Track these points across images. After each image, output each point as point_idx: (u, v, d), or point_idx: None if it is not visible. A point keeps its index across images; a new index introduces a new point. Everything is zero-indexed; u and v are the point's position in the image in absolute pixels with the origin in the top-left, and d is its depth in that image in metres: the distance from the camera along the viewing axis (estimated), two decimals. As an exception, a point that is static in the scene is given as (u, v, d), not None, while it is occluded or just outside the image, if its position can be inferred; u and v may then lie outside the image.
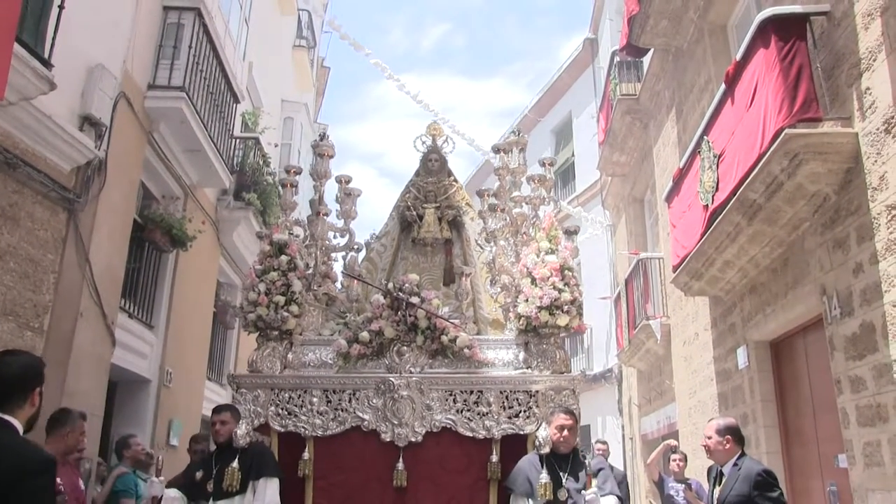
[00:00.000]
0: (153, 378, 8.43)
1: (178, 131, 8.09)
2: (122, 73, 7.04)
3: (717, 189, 6.61)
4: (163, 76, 7.80)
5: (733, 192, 6.13)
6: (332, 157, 6.25)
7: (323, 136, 6.33)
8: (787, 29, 5.26)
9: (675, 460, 7.38)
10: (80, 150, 6.13)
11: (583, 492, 4.45)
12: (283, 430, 5.22)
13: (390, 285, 5.53)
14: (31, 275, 5.67)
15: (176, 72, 7.79)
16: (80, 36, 6.09)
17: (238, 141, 10.50)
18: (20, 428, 2.44)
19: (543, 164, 6.27)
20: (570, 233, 5.92)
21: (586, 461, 4.56)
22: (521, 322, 5.38)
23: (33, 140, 5.61)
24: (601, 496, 4.46)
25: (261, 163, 10.70)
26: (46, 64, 5.23)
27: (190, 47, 7.96)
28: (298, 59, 16.20)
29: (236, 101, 9.80)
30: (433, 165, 6.79)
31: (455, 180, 6.97)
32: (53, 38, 5.41)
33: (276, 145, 12.62)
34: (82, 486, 4.87)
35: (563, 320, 5.25)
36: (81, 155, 6.19)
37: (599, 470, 4.68)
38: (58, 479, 4.43)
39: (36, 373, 2.55)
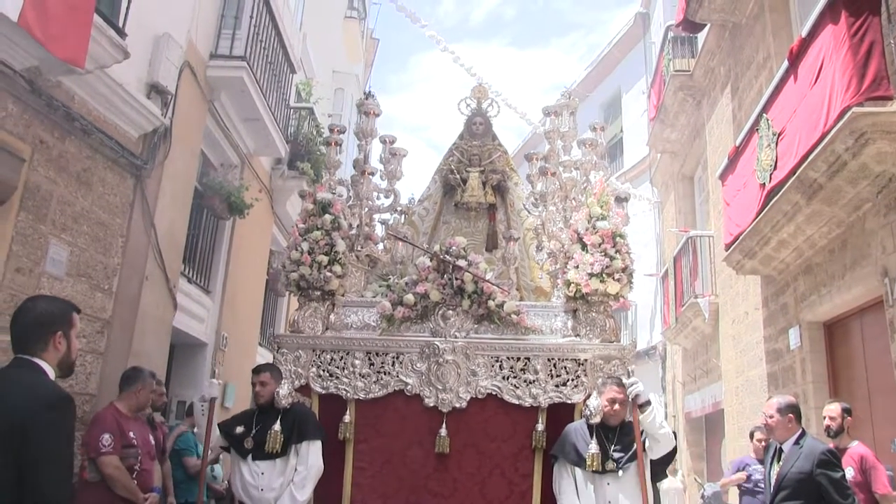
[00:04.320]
0: (210, 342, 8.65)
1: (238, 100, 8.22)
2: (187, 43, 7.17)
3: (775, 167, 6.55)
4: (224, 46, 7.91)
5: (793, 171, 6.07)
6: (377, 115, 6.14)
7: (368, 95, 6.23)
8: (859, 4, 5.14)
9: (759, 440, 6.79)
10: (147, 117, 6.28)
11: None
12: (324, 391, 5.17)
13: (437, 248, 5.44)
14: (102, 238, 5.86)
15: (237, 42, 7.90)
16: (148, 5, 6.21)
17: (292, 111, 10.62)
18: (49, 370, 2.53)
19: (594, 129, 6.09)
20: (622, 199, 5.75)
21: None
22: (570, 289, 5.26)
23: (105, 107, 5.77)
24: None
25: (314, 133, 10.82)
26: (121, 33, 5.37)
27: (251, 17, 8.05)
28: (349, 30, 16.26)
29: (293, 71, 9.91)
30: (477, 129, 6.69)
31: (500, 144, 6.84)
32: (127, 8, 5.56)
33: (329, 115, 12.75)
34: (152, 441, 5.06)
35: (613, 288, 5.13)
36: (148, 122, 6.34)
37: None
38: (130, 433, 4.66)
39: (54, 318, 2.59)
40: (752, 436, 6.97)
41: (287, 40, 9.39)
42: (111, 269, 6.03)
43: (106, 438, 4.51)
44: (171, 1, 6.87)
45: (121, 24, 5.49)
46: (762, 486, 6.40)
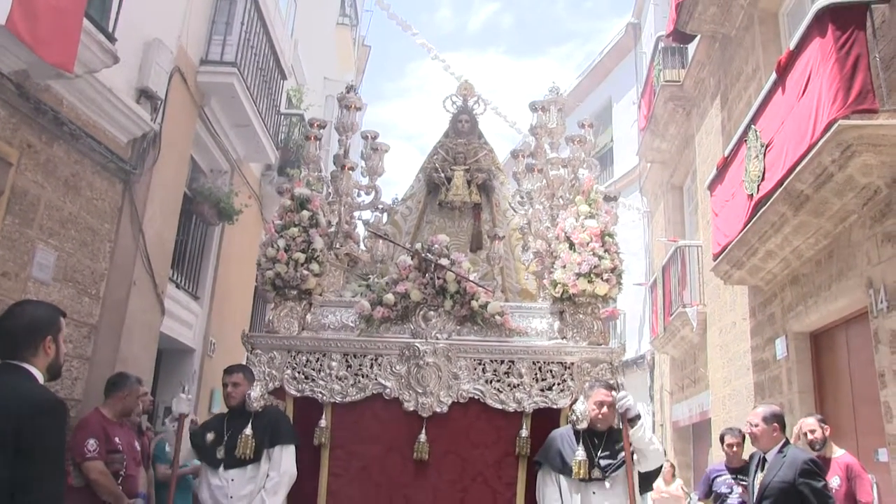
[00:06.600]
0: (197, 348, 8.63)
1: (228, 106, 8.22)
2: (177, 48, 7.17)
3: (763, 178, 6.58)
4: (215, 52, 7.91)
5: (780, 182, 6.10)
6: (359, 109, 5.98)
7: (350, 89, 6.08)
8: (845, 18, 5.19)
9: (729, 445, 6.09)
10: (136, 122, 6.28)
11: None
12: (299, 394, 4.91)
13: (418, 246, 5.22)
14: (90, 243, 5.84)
15: (228, 48, 7.90)
16: (138, 10, 6.22)
17: (283, 117, 10.62)
18: (38, 375, 2.53)
19: (583, 126, 5.88)
20: (611, 198, 5.54)
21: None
22: (556, 289, 5.03)
23: (94, 112, 5.76)
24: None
25: (305, 139, 10.80)
26: (111, 38, 5.38)
27: (242, 23, 8.07)
28: (341, 37, 16.28)
29: (283, 77, 9.91)
30: (463, 127, 6.55)
31: (486, 143, 6.68)
32: (117, 13, 5.56)
33: (319, 123, 12.78)
34: (138, 447, 5.04)
35: (601, 289, 4.89)
36: (138, 127, 6.34)
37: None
38: (116, 439, 4.64)
39: (44, 323, 2.60)
40: (722, 440, 6.28)
41: (278, 46, 9.40)
42: (99, 275, 6.01)
43: (91, 443, 4.50)
44: (162, 6, 6.87)
45: (111, 29, 5.51)
46: (733, 499, 5.92)
